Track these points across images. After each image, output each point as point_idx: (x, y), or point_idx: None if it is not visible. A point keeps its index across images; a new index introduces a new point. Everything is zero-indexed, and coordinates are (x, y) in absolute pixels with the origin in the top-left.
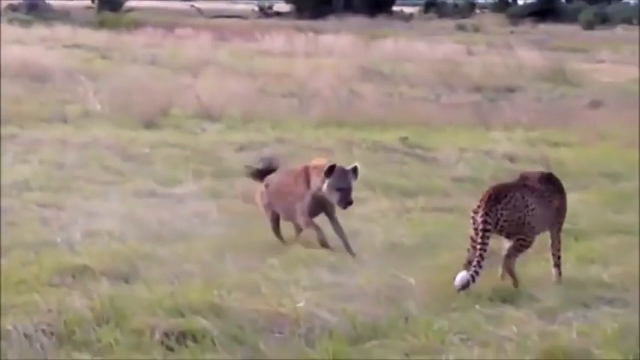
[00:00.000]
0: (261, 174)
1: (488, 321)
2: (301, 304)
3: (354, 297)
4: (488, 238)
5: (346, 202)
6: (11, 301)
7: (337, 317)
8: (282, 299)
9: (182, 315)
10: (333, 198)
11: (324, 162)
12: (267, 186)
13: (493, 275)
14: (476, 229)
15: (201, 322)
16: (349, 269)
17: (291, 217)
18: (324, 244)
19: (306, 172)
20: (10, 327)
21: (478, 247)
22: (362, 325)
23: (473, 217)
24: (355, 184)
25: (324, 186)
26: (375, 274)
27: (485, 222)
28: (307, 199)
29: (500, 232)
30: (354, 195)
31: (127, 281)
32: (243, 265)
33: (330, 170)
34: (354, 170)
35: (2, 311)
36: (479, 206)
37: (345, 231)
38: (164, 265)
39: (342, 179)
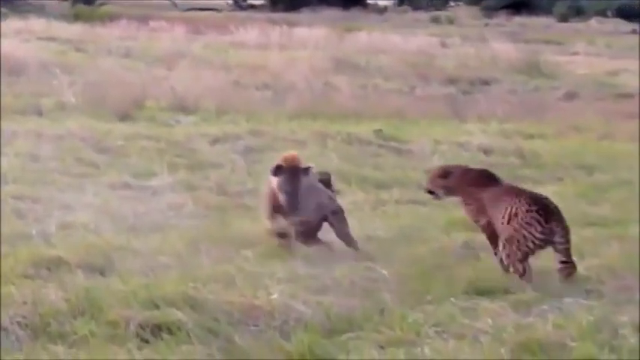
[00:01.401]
0: None
1: (464, 313)
2: (275, 296)
3: (329, 289)
4: None
5: (291, 207)
6: None
7: (312, 309)
8: (257, 291)
9: (157, 307)
10: (281, 200)
11: (293, 155)
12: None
13: (468, 268)
14: None
15: (176, 314)
16: (324, 261)
17: None
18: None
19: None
20: None
21: None
22: (337, 317)
23: None
24: (306, 188)
25: (275, 184)
26: (350, 266)
27: None
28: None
29: None
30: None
31: (102, 273)
32: (217, 257)
33: (278, 169)
34: (306, 170)
35: None
36: None
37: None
38: (139, 258)
39: (289, 181)
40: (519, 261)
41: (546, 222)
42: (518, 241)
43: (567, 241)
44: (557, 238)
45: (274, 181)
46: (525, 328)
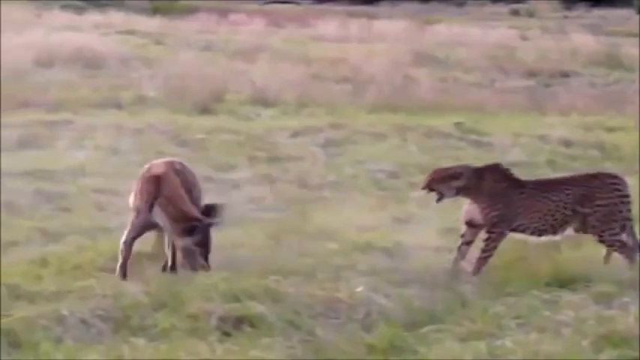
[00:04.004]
0: None
1: (545, 306)
2: (359, 289)
3: (410, 282)
4: None
5: (200, 264)
6: (67, 286)
7: (393, 302)
8: (339, 284)
9: (238, 300)
10: (188, 257)
11: (177, 188)
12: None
13: (550, 260)
14: None
15: (257, 307)
16: (406, 254)
17: None
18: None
19: (155, 191)
20: (66, 312)
21: None
22: (418, 310)
23: None
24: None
25: (179, 239)
26: (431, 259)
27: None
28: (141, 218)
29: None
30: None
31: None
32: (298, 250)
33: (192, 230)
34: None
35: (59, 296)
36: None
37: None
38: (220, 251)
39: (203, 240)
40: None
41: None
42: (614, 219)
43: None
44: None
45: (186, 240)
46: (607, 320)
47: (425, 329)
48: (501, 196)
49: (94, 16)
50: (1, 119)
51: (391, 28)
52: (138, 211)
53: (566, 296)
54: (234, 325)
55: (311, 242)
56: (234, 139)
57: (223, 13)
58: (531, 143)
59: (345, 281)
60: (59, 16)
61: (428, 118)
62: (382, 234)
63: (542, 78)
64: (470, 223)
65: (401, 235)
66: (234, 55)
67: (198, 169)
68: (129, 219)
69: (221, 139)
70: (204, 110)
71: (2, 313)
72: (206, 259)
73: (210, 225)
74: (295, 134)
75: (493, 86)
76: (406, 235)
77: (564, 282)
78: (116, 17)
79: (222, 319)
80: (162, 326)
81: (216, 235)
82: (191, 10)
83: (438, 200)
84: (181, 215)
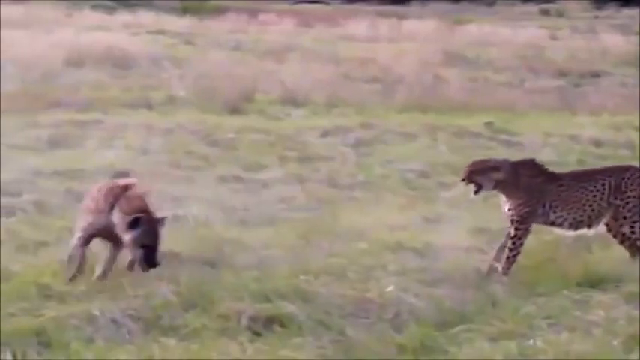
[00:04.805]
0: None
1: (576, 305)
2: (390, 289)
3: (440, 282)
4: None
5: (150, 262)
6: (98, 286)
7: (424, 302)
8: (369, 284)
9: (269, 300)
10: (135, 254)
11: (138, 195)
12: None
13: (580, 260)
14: None
15: (287, 307)
16: (436, 254)
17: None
18: (73, 278)
19: (120, 193)
20: (97, 312)
21: None
22: (449, 309)
23: None
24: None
25: (126, 236)
26: (461, 258)
27: None
28: (100, 220)
29: None
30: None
31: (213, 266)
32: (329, 249)
33: (136, 222)
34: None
35: (89, 296)
36: None
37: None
38: (250, 250)
39: (149, 235)
40: None
41: None
42: None
43: None
44: None
45: (123, 223)
46: (637, 320)
47: (455, 329)
48: (536, 192)
49: (124, 16)
50: (32, 119)
51: (421, 28)
52: (98, 212)
53: (597, 296)
54: (265, 325)
55: (341, 242)
56: (264, 138)
57: (253, 12)
58: (562, 143)
59: (375, 281)
60: (89, 16)
61: (458, 117)
62: (412, 234)
63: (572, 78)
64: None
65: (431, 234)
66: (264, 54)
67: (228, 169)
68: (81, 221)
69: (251, 138)
70: (234, 110)
71: (33, 312)
72: (153, 255)
73: (155, 220)
74: (325, 134)
75: (523, 86)
76: (436, 234)
77: (595, 282)
78: (146, 17)
79: (253, 319)
80: (193, 326)
81: (246, 235)
82: (221, 10)
83: (476, 192)
84: (130, 208)
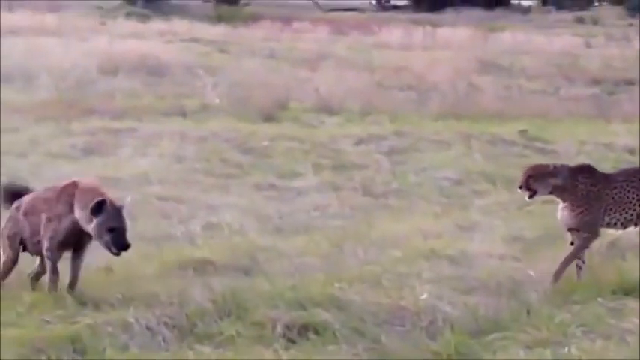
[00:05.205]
0: (9, 197)
1: (610, 313)
2: (424, 297)
3: (475, 290)
4: None
5: (120, 244)
6: (133, 293)
7: (459, 310)
8: (403, 292)
9: (303, 307)
10: (104, 240)
11: (94, 186)
12: (17, 209)
13: (614, 268)
14: None
15: (322, 315)
16: (470, 262)
17: (37, 246)
18: (53, 288)
19: (73, 191)
20: (132, 319)
21: None
22: (483, 317)
23: None
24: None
25: (91, 225)
26: (496, 266)
27: None
28: (65, 223)
29: None
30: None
31: (247, 274)
32: (363, 257)
33: (99, 207)
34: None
35: (124, 303)
36: None
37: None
38: (284, 258)
39: (114, 217)
40: None
41: None
42: None
43: None
44: None
45: (85, 216)
46: None
47: (490, 337)
48: (595, 200)
49: (157, 24)
50: (67, 127)
51: (455, 36)
52: (59, 217)
53: (631, 304)
54: (300, 333)
55: (376, 250)
56: (298, 146)
57: (287, 20)
58: (596, 151)
59: (409, 289)
60: (123, 25)
61: (492, 125)
62: (447, 241)
63: (606, 85)
64: (571, 229)
65: (465, 242)
66: (298, 62)
67: (263, 177)
68: (45, 232)
69: (285, 146)
70: (269, 118)
71: (69, 319)
72: (123, 237)
73: (117, 204)
74: (359, 142)
75: (557, 94)
76: (470, 242)
77: (629, 290)
78: (180, 25)
79: (288, 327)
80: (228, 333)
81: (281, 243)
82: (255, 18)
83: (530, 198)
84: (90, 198)
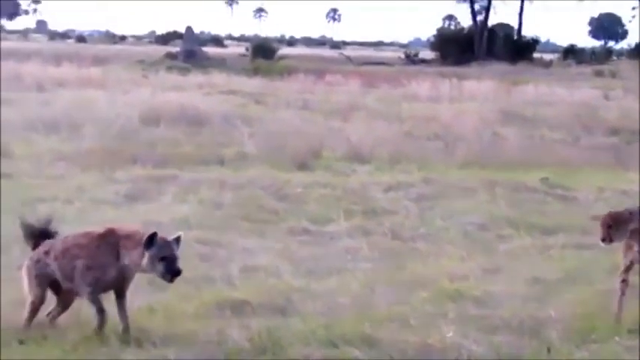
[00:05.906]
0: (38, 236)
1: (628, 352)
2: (450, 335)
3: (498, 329)
4: None
5: (173, 271)
6: (173, 332)
7: (483, 348)
8: (430, 331)
9: (335, 346)
10: (158, 270)
11: (135, 229)
12: (46, 253)
13: (632, 307)
14: None
15: (353, 352)
16: (494, 302)
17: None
18: (102, 327)
19: (115, 239)
20: (172, 357)
21: None
22: (506, 355)
23: None
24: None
25: (145, 259)
26: (518, 307)
27: None
28: (111, 273)
29: None
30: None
31: (283, 314)
32: (392, 298)
33: (151, 240)
34: (177, 240)
35: (165, 342)
36: None
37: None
38: (318, 299)
39: (165, 247)
40: None
41: None
42: None
43: None
44: None
45: (136, 255)
46: None
47: None
48: None
49: (197, 77)
50: (111, 175)
51: (480, 88)
52: (102, 267)
53: None
54: None
55: (404, 291)
56: (330, 193)
57: (320, 74)
58: (614, 197)
59: (436, 328)
60: (165, 77)
61: (515, 173)
62: (472, 283)
63: (624, 135)
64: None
65: (490, 284)
66: (330, 113)
67: (297, 222)
68: (83, 278)
69: (318, 193)
70: (302, 166)
71: (112, 357)
72: (174, 264)
73: (165, 238)
74: (389, 189)
75: (578, 143)
76: (495, 284)
77: None
78: (218, 78)
79: None
80: None
81: (314, 284)
82: (290, 71)
83: (606, 241)
84: (138, 238)
